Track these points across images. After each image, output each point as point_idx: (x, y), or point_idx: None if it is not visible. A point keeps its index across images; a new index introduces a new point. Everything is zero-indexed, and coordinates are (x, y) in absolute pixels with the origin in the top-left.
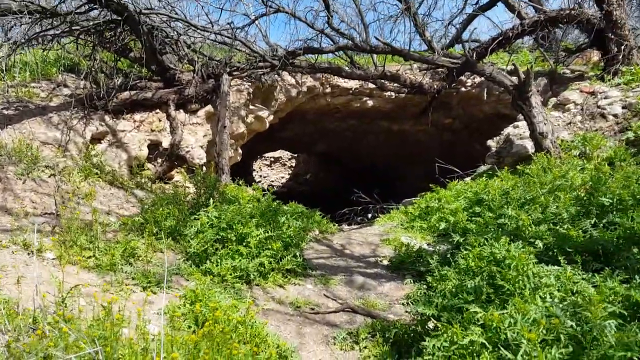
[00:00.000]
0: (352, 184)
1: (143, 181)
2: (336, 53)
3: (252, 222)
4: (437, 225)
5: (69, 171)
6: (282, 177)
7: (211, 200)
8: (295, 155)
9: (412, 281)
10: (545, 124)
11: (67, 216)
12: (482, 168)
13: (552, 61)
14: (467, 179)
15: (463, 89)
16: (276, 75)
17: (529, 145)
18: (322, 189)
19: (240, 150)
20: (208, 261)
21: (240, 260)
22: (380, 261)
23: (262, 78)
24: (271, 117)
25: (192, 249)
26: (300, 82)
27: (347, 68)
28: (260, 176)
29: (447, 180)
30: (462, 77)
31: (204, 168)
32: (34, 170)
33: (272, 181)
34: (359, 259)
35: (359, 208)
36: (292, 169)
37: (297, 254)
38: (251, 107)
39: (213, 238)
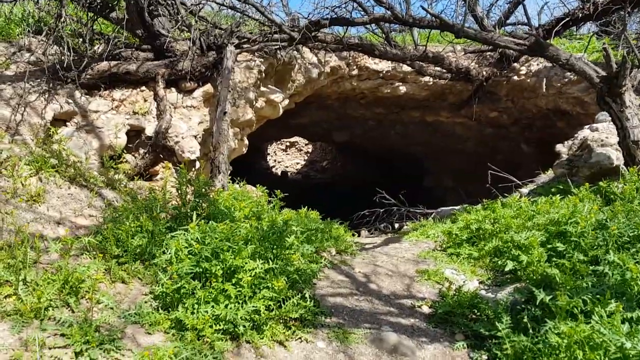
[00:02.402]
0: (372, 175)
1: (117, 177)
2: (369, 26)
3: (246, 250)
4: (497, 260)
5: (14, 162)
6: (297, 163)
7: (194, 215)
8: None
9: (465, 345)
10: None
11: None
12: (544, 178)
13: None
14: (524, 190)
15: (515, 77)
16: (294, 52)
17: (614, 155)
18: (339, 179)
19: (246, 141)
20: (181, 306)
21: (226, 307)
22: (419, 307)
23: (278, 54)
24: (286, 102)
25: (160, 288)
26: (323, 61)
27: (381, 46)
28: (275, 161)
29: (493, 189)
30: (516, 64)
31: (197, 164)
32: None
33: (287, 167)
34: (388, 299)
35: (382, 210)
36: (308, 155)
37: (307, 295)
38: (262, 88)
39: (191, 271)
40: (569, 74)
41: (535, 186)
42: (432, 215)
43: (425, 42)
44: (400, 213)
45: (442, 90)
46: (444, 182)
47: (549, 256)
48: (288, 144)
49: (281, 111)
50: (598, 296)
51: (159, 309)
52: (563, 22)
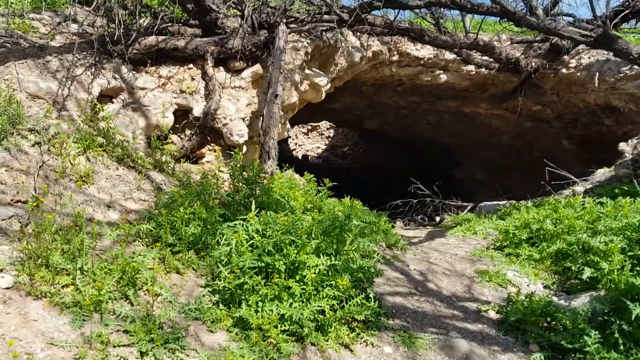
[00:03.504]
0: (398, 164)
1: (164, 159)
2: (421, 11)
3: (310, 245)
4: (564, 264)
5: (62, 140)
6: (318, 147)
7: (253, 204)
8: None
9: (542, 357)
10: None
11: (49, 207)
12: (598, 176)
13: None
14: (578, 188)
15: (564, 70)
16: (339, 34)
17: None
18: (361, 165)
19: (288, 125)
20: (244, 304)
21: (290, 305)
22: (485, 311)
23: (324, 35)
24: (328, 86)
25: (222, 283)
26: (365, 45)
27: (431, 32)
28: (296, 144)
29: (544, 184)
30: (565, 56)
31: (245, 148)
32: (11, 135)
33: (307, 150)
34: (450, 301)
35: (415, 201)
36: (329, 139)
37: (372, 295)
38: (307, 71)
39: (253, 265)
40: (624, 68)
41: (591, 185)
42: (471, 210)
43: (477, 30)
44: (434, 205)
45: (484, 81)
46: (475, 175)
47: (633, 264)
48: (310, 127)
49: (324, 95)
50: None
51: (219, 304)
52: (622, 14)
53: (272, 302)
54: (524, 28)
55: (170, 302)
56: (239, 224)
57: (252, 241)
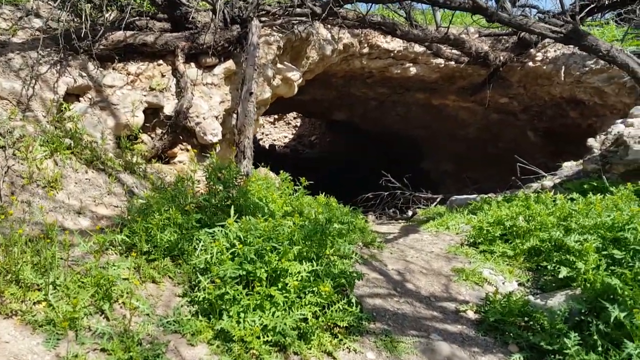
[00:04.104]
0: (366, 155)
1: (135, 160)
2: (391, 5)
3: (292, 251)
4: (538, 261)
5: (28, 143)
6: (285, 137)
7: (232, 209)
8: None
9: (522, 358)
10: None
11: (16, 216)
12: (566, 171)
13: None
14: (547, 183)
15: (531, 63)
16: (311, 28)
17: None
18: (329, 154)
19: (261, 121)
20: (225, 315)
21: (272, 315)
22: (464, 311)
23: (296, 29)
24: (301, 80)
25: (202, 294)
26: (336, 37)
27: (403, 26)
28: (262, 133)
29: (514, 180)
30: (532, 50)
31: (218, 147)
32: None
33: (275, 140)
34: (429, 302)
35: (386, 194)
36: (297, 129)
37: (354, 300)
38: (279, 65)
39: (235, 275)
40: (590, 62)
41: (560, 180)
42: (441, 202)
43: (448, 24)
44: (404, 197)
45: (453, 74)
46: (443, 166)
47: (607, 263)
48: (276, 116)
49: (296, 90)
50: None
51: (199, 315)
52: (588, 8)
53: (254, 312)
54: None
55: (148, 314)
56: (218, 230)
57: (233, 249)
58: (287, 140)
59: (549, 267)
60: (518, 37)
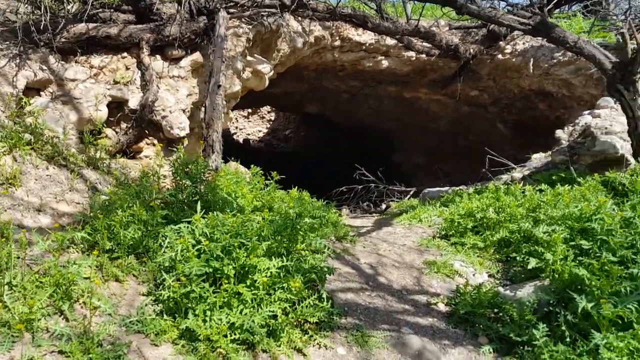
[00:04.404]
0: (339, 148)
1: (98, 156)
2: None
3: (261, 247)
4: (508, 252)
5: None
6: (260, 131)
7: (198, 205)
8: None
9: (491, 349)
10: None
11: None
12: (535, 162)
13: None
14: (516, 174)
15: (500, 56)
16: (281, 20)
17: (619, 144)
18: (303, 148)
19: (231, 114)
20: (191, 313)
21: (240, 312)
22: (435, 304)
23: (265, 21)
24: (272, 73)
25: (167, 292)
26: (307, 30)
27: (374, 19)
28: (236, 128)
29: (484, 172)
30: (501, 42)
31: (186, 141)
32: None
33: (249, 134)
34: (401, 295)
35: (360, 187)
36: (271, 123)
37: (324, 295)
38: (249, 58)
39: (201, 272)
40: (557, 54)
41: (529, 171)
42: (415, 195)
43: (419, 17)
44: (378, 190)
45: (424, 67)
46: (414, 159)
47: (575, 254)
48: (250, 110)
49: (267, 83)
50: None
51: (164, 314)
52: (555, 0)
53: (221, 310)
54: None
55: (110, 314)
56: (184, 227)
57: (199, 246)
58: (261, 134)
59: (518, 258)
60: (487, 30)
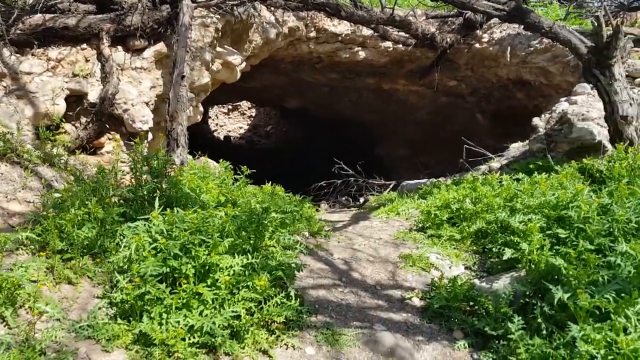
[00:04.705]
0: (321, 142)
1: (56, 152)
2: None
3: (223, 244)
4: (485, 243)
5: None
6: (241, 128)
7: (157, 201)
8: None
9: (466, 344)
10: (631, 104)
11: None
12: (513, 151)
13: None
14: (494, 164)
15: (477, 45)
16: (252, 9)
17: (596, 130)
18: (285, 144)
19: (201, 108)
20: (146, 315)
21: (200, 314)
22: (409, 299)
23: (235, 10)
24: (243, 65)
25: (119, 295)
26: (281, 20)
27: (347, 7)
28: (217, 124)
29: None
30: (478, 31)
31: (150, 135)
32: None
33: (229, 131)
34: (375, 291)
35: (339, 182)
36: (252, 119)
37: (292, 293)
38: (219, 49)
39: (157, 272)
40: (534, 42)
41: (507, 161)
42: (394, 189)
43: (393, 5)
44: (358, 184)
45: (401, 57)
46: (396, 152)
47: (552, 244)
48: (230, 107)
49: (239, 75)
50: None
51: (117, 318)
52: None
53: (179, 312)
54: (439, 2)
55: (59, 319)
56: (141, 224)
57: (155, 244)
58: (242, 131)
59: (494, 249)
60: (464, 18)
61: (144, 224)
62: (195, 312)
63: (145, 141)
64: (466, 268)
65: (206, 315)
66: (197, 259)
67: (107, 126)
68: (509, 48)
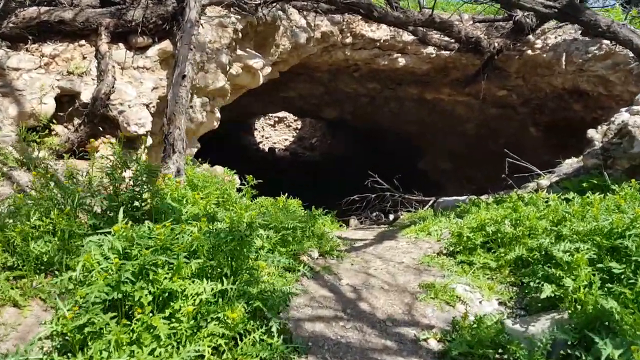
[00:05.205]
0: (364, 154)
1: (42, 155)
2: None
3: (189, 266)
4: (523, 276)
5: None
6: (286, 140)
7: (120, 212)
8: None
9: None
10: None
11: None
12: (565, 167)
13: None
14: (543, 182)
15: (529, 51)
16: (279, 11)
17: None
18: (330, 156)
19: (217, 114)
20: (80, 355)
21: (152, 353)
22: (425, 340)
23: (259, 11)
24: (268, 70)
25: (53, 326)
26: (312, 25)
27: (380, 8)
28: (263, 136)
29: (508, 179)
30: (530, 36)
31: (150, 139)
32: None
33: (275, 143)
34: (384, 327)
35: (373, 196)
36: (297, 131)
37: (274, 328)
38: (239, 52)
39: (107, 298)
40: (593, 48)
41: (558, 178)
42: (433, 205)
43: (433, 6)
44: (394, 199)
45: (445, 64)
46: (440, 165)
47: (602, 280)
48: (277, 119)
49: (261, 80)
50: None
51: (57, 352)
52: None
53: (124, 350)
54: (483, 2)
55: None
56: (98, 239)
57: (107, 263)
58: (287, 143)
59: (532, 284)
60: (514, 22)
61: (101, 240)
62: (146, 350)
63: (143, 146)
64: (500, 304)
65: (158, 356)
66: (157, 283)
67: (100, 129)
68: (564, 55)
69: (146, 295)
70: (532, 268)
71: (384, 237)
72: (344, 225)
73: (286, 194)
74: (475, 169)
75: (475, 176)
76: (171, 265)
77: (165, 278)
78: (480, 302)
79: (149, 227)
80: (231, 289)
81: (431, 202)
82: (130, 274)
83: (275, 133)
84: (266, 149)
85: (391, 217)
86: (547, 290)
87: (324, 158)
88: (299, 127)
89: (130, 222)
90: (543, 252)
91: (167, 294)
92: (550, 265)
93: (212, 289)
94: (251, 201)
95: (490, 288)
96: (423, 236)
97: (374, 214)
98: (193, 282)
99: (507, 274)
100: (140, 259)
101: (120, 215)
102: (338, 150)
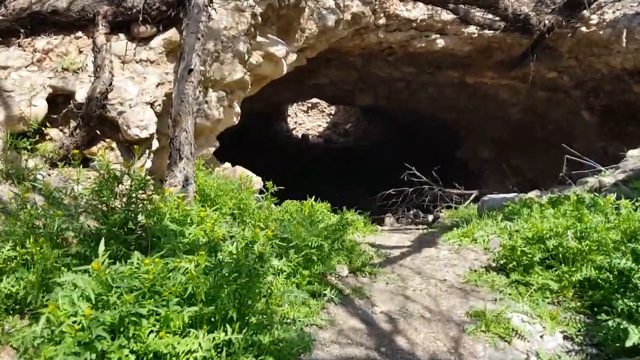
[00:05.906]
0: (400, 140)
1: (32, 164)
2: None
3: (181, 316)
4: (607, 319)
5: None
6: (320, 126)
7: (102, 243)
8: None
9: None
10: None
11: None
12: (631, 162)
13: None
14: (605, 179)
15: (584, 28)
16: None
17: None
18: (364, 142)
19: (237, 109)
20: None
21: None
22: None
23: None
24: (293, 57)
25: None
26: (342, 5)
27: None
28: (296, 122)
29: (564, 177)
30: (585, 11)
31: (155, 143)
32: None
33: (308, 129)
34: None
35: (410, 190)
36: (331, 116)
37: None
38: (259, 38)
39: None
40: None
41: (624, 175)
42: (475, 200)
43: None
44: (432, 193)
45: (489, 45)
46: (480, 154)
47: None
48: (310, 104)
49: (285, 69)
50: None
51: None
52: None
53: None
54: None
55: None
56: (74, 279)
57: (76, 317)
58: (321, 129)
59: (610, 322)
60: None
61: (75, 281)
62: None
63: (146, 152)
64: (565, 338)
65: None
66: (139, 340)
67: (99, 132)
68: (624, 31)
69: (127, 355)
70: (603, 293)
71: (422, 243)
72: (378, 227)
73: (317, 183)
74: (519, 158)
75: (519, 166)
76: (157, 315)
77: (152, 332)
78: (541, 337)
79: (137, 261)
80: (236, 339)
81: (473, 196)
82: (106, 329)
83: (308, 119)
84: (299, 136)
85: (430, 217)
86: (634, 337)
87: (358, 144)
88: (333, 112)
89: (122, 251)
90: (617, 272)
91: (151, 355)
92: (628, 292)
93: (214, 339)
94: (274, 206)
95: (553, 317)
96: (467, 243)
97: (412, 211)
98: (188, 333)
99: (571, 297)
100: (119, 308)
101: (102, 247)
102: (373, 137)
